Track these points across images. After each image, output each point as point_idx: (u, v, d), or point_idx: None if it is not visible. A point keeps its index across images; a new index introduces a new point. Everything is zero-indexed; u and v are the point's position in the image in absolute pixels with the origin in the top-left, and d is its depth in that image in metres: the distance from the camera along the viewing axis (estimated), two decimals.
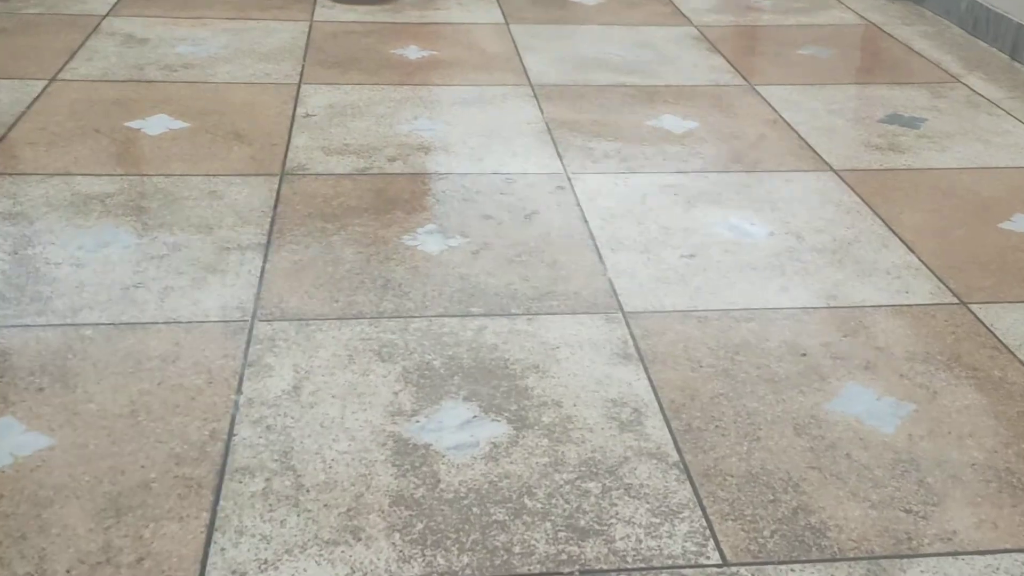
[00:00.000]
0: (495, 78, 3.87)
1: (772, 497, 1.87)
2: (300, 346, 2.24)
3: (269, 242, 2.65)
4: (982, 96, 3.85)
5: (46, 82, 3.59)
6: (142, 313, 2.32)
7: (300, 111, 3.47)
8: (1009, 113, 3.70)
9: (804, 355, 2.30)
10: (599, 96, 3.73)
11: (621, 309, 2.44)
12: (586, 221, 2.84)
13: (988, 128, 3.57)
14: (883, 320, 2.44)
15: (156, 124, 3.30)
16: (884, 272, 2.65)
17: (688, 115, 3.59)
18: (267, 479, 1.85)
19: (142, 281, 2.44)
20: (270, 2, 4.63)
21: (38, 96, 3.47)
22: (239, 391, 2.08)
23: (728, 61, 4.15)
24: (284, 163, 3.09)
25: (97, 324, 2.27)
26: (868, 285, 2.59)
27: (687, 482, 1.90)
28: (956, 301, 2.53)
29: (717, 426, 2.06)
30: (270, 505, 1.79)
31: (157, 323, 2.29)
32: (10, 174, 2.94)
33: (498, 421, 2.04)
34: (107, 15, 4.33)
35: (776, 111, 3.66)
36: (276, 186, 2.94)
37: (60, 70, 3.70)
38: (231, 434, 1.96)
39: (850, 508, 1.85)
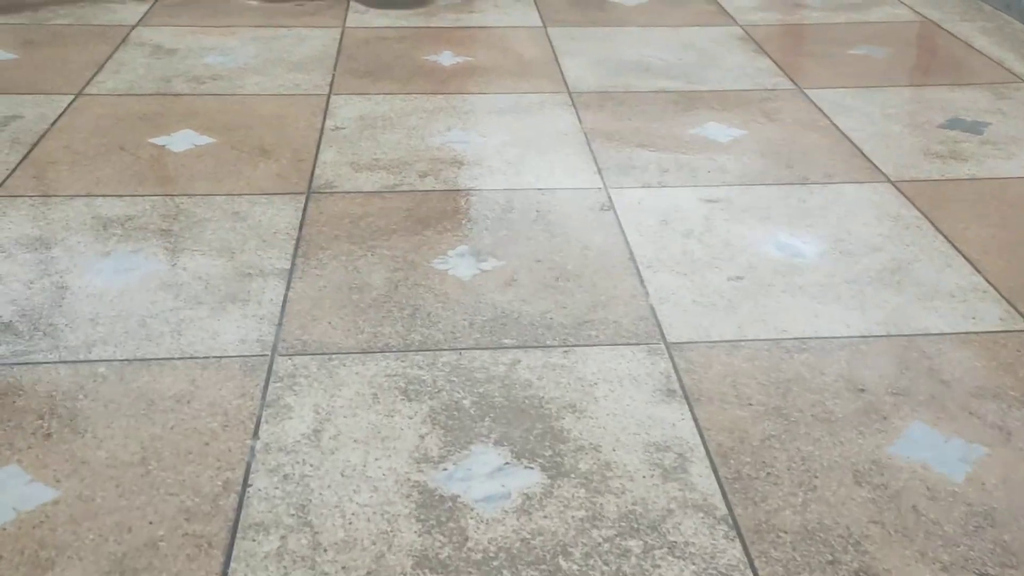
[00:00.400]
0: (532, 85, 3.72)
1: (831, 557, 1.71)
2: (322, 384, 2.12)
3: (293, 267, 2.53)
4: None
5: (72, 97, 3.50)
6: (158, 348, 2.21)
7: (329, 124, 3.35)
8: None
9: (862, 391, 2.13)
10: (640, 103, 3.57)
11: (664, 339, 2.28)
12: (626, 240, 2.68)
13: None
14: (948, 350, 2.26)
15: (181, 140, 3.19)
16: (948, 295, 2.46)
17: (734, 122, 3.41)
18: (282, 537, 1.73)
19: (160, 312, 2.33)
20: (302, 8, 4.52)
21: (63, 112, 3.38)
22: (256, 435, 1.96)
23: (775, 63, 3.97)
24: (311, 180, 2.97)
25: (111, 360, 2.16)
26: (930, 310, 2.40)
27: (737, 539, 1.74)
28: None
29: (769, 473, 1.90)
30: (284, 568, 1.67)
31: (173, 359, 2.18)
32: (31, 196, 2.84)
33: (531, 468, 1.90)
34: (136, 25, 4.24)
35: (827, 116, 3.47)
36: (302, 205, 2.82)
37: (87, 84, 3.62)
38: (246, 485, 1.83)
39: (918, 571, 1.68)
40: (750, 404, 2.08)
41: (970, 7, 4.61)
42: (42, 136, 3.20)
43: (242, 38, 4.15)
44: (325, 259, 2.57)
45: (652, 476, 1.89)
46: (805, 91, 3.69)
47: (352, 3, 4.61)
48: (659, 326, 2.33)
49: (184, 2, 4.54)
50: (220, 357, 2.19)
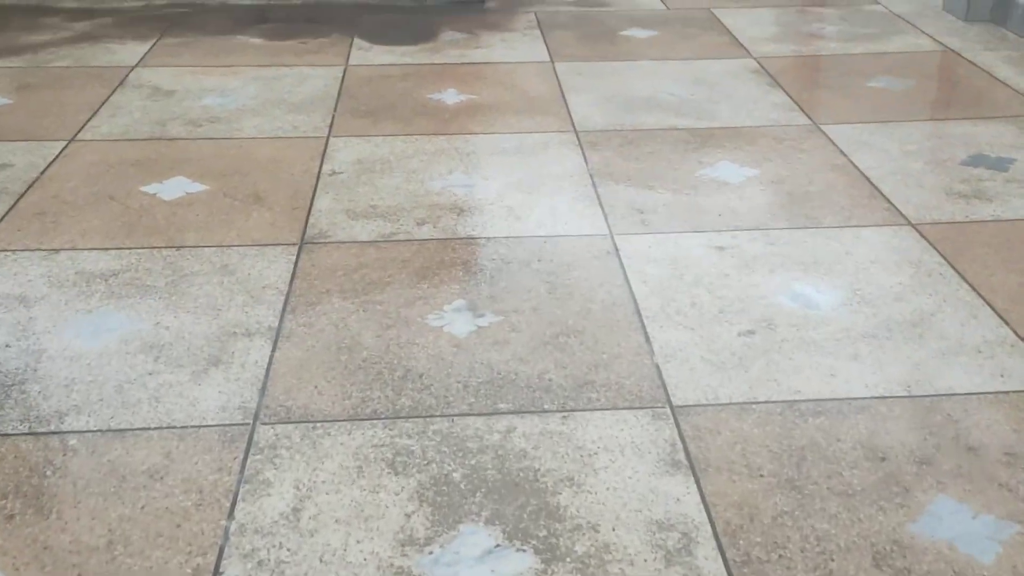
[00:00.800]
0: (537, 124, 3.61)
1: None
2: (304, 455, 1.99)
3: (280, 325, 2.41)
4: None
5: (64, 143, 3.42)
6: (134, 417, 2.09)
7: (327, 168, 3.25)
8: None
9: (883, 459, 1.98)
10: (649, 141, 3.45)
11: (669, 402, 2.15)
12: (632, 292, 2.55)
13: None
14: (975, 411, 2.11)
15: (173, 188, 3.10)
16: (974, 350, 2.31)
17: (746, 161, 3.28)
18: None
19: (138, 376, 2.22)
20: (305, 47, 4.44)
21: (55, 159, 3.29)
22: (231, 516, 1.84)
23: (790, 97, 3.83)
24: (304, 230, 2.85)
25: (83, 431, 2.05)
26: (955, 367, 2.25)
27: None
28: None
29: (781, 556, 1.75)
30: None
31: (149, 429, 2.06)
32: (13, 250, 2.75)
33: (524, 551, 1.76)
34: (136, 66, 4.16)
35: (844, 154, 3.33)
36: (294, 257, 2.71)
37: (81, 129, 3.53)
38: (217, 572, 1.71)
39: None
40: (761, 475, 1.94)
41: (993, 36, 4.46)
42: (31, 185, 3.11)
43: (243, 78, 4.06)
44: (315, 316, 2.45)
45: (654, 560, 1.74)
46: (821, 127, 3.56)
47: (356, 40, 4.52)
48: (664, 387, 2.19)
49: (186, 41, 4.47)
50: (198, 427, 2.07)
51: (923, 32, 4.55)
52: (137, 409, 2.12)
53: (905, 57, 4.27)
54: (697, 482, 1.92)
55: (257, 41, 4.50)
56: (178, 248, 2.76)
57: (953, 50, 4.33)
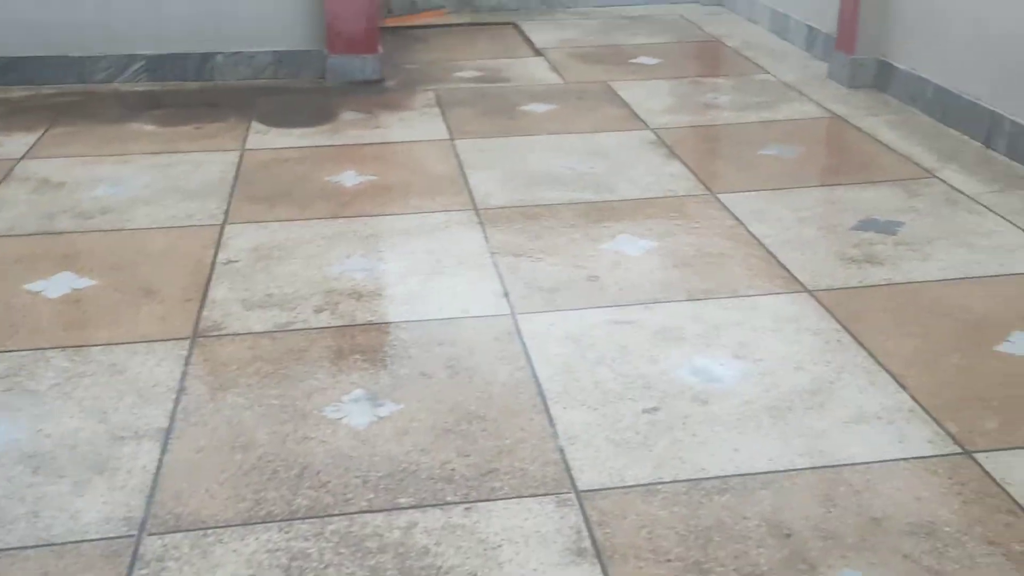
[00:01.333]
0: (437, 203, 3.59)
1: None
2: (193, 567, 1.89)
3: (171, 426, 2.31)
4: (960, 192, 3.58)
5: None
6: (8, 535, 1.97)
7: (221, 256, 3.17)
8: (990, 209, 3.43)
9: (788, 535, 1.96)
10: (549, 217, 3.45)
11: (574, 487, 2.10)
12: (534, 372, 2.52)
13: (970, 228, 3.29)
14: (877, 480, 2.12)
15: (59, 284, 2.98)
16: (873, 417, 2.33)
17: (645, 233, 3.30)
18: None
19: (15, 490, 2.10)
20: (201, 131, 4.36)
21: None
22: None
23: (687, 167, 3.89)
24: (197, 323, 2.76)
25: None
26: (856, 435, 2.26)
27: None
28: (959, 450, 2.21)
29: None
30: None
31: (25, 548, 1.94)
32: None
33: None
34: (22, 158, 4.04)
35: (741, 222, 3.38)
36: (186, 353, 2.62)
37: None
38: None
39: None
40: (668, 560, 1.90)
41: (876, 101, 4.61)
42: None
43: (136, 166, 3.96)
44: (207, 415, 2.36)
45: None
46: (718, 196, 3.61)
47: (253, 123, 4.47)
48: (568, 471, 2.15)
49: (75, 131, 4.36)
50: (79, 542, 1.95)
51: (810, 99, 4.69)
52: (12, 527, 1.99)
53: (794, 124, 4.38)
54: (604, 571, 1.88)
55: (151, 128, 4.42)
56: (63, 348, 2.64)
57: (839, 116, 4.45)
